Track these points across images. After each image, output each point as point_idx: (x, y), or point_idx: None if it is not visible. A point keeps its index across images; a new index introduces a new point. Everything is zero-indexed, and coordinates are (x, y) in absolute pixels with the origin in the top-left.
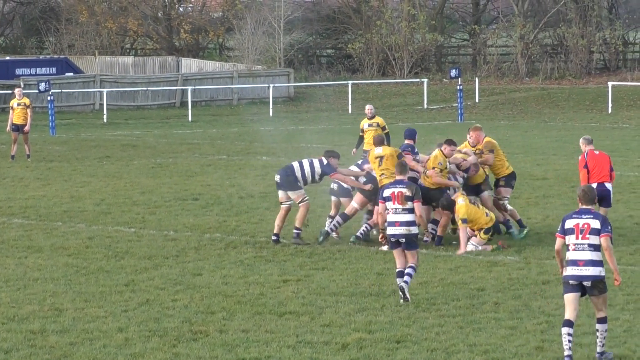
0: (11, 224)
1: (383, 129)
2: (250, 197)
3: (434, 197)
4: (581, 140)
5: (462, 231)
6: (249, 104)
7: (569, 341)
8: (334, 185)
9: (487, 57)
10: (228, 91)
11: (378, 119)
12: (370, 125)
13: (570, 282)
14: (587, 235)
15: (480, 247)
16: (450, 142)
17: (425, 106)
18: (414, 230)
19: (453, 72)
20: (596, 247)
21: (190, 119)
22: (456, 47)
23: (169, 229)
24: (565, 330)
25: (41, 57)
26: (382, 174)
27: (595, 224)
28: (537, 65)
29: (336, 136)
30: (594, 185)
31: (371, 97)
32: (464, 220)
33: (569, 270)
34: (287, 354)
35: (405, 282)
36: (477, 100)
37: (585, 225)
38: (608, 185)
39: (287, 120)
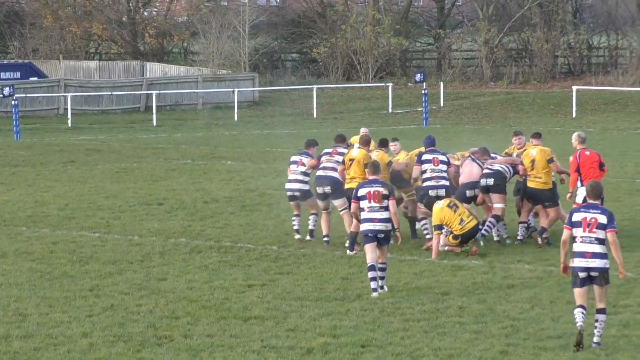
0: None
1: None
2: (215, 201)
3: (545, 197)
4: (575, 136)
5: (435, 238)
6: (214, 109)
7: (582, 314)
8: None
9: (451, 62)
10: (193, 95)
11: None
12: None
13: (580, 274)
14: (594, 229)
15: (446, 248)
16: (535, 135)
17: (390, 110)
18: (390, 226)
19: (418, 77)
20: (602, 241)
21: (154, 123)
22: (421, 51)
23: (134, 233)
24: (578, 310)
25: (5, 61)
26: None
27: (602, 219)
28: (502, 69)
29: (301, 140)
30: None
31: (336, 102)
32: (437, 227)
33: (577, 262)
34: (252, 358)
35: (381, 277)
36: (441, 105)
37: (593, 220)
38: None
39: (252, 124)
